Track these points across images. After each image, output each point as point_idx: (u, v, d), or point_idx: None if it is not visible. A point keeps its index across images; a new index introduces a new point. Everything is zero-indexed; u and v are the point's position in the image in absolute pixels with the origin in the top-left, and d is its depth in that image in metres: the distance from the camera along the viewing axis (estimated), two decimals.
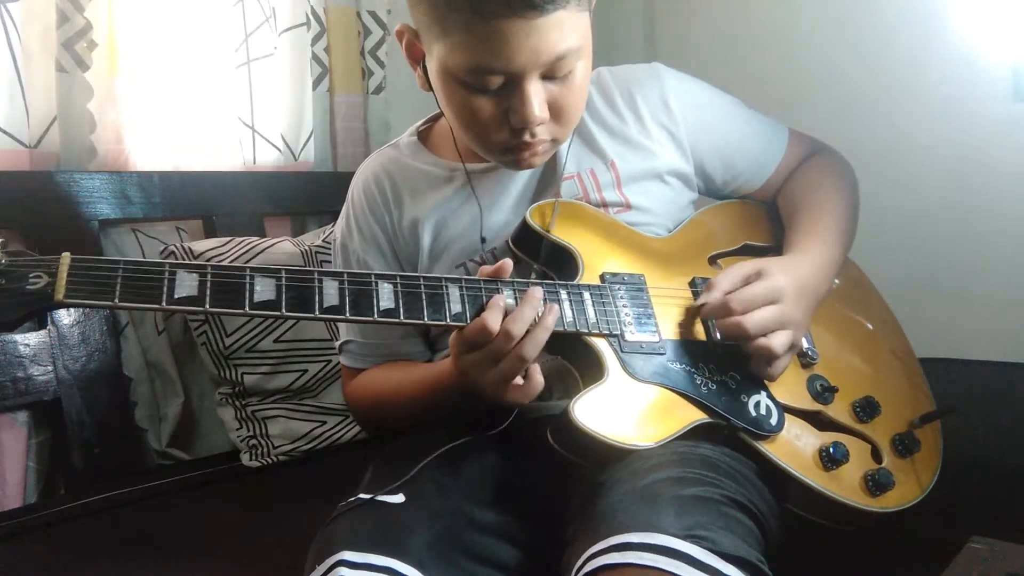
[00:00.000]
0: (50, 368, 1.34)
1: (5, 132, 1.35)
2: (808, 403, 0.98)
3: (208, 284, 0.77)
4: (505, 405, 0.87)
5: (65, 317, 1.37)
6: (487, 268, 0.89)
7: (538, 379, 0.86)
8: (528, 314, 0.84)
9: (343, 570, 0.75)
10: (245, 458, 1.45)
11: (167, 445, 1.52)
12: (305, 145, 1.77)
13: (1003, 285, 1.72)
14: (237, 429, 1.47)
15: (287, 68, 1.73)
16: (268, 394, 1.48)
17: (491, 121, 0.92)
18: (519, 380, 0.85)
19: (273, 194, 1.70)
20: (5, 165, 1.35)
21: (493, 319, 0.82)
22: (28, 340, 1.33)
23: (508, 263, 0.88)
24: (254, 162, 1.70)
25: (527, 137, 0.93)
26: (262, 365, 1.46)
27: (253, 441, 1.45)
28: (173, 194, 1.53)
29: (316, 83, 1.80)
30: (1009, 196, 1.69)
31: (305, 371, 1.48)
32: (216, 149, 1.66)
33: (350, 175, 1.15)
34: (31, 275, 0.73)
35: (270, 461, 1.44)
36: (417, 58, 0.98)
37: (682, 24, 2.26)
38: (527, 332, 0.83)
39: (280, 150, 1.74)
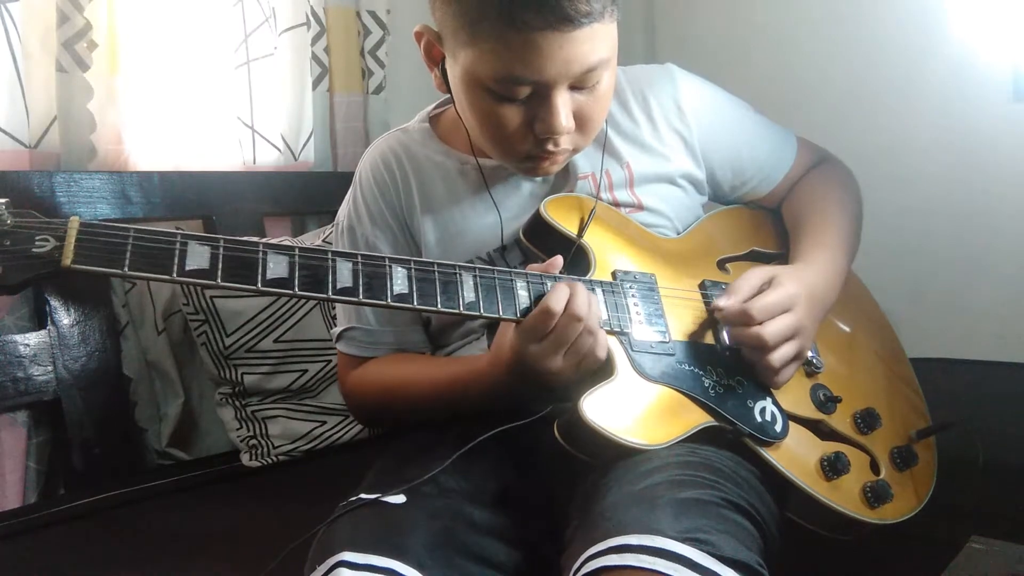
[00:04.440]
0: (50, 368, 1.34)
1: (5, 132, 1.35)
2: (811, 412, 0.98)
3: (220, 257, 0.74)
4: (573, 386, 0.86)
5: (65, 317, 1.37)
6: (536, 265, 0.89)
7: (603, 338, 0.86)
8: (584, 291, 0.84)
9: (344, 571, 0.75)
10: (245, 458, 1.45)
11: (167, 445, 1.52)
12: (305, 145, 1.77)
13: (1003, 285, 1.72)
14: (237, 429, 1.47)
15: (287, 68, 1.73)
16: (268, 394, 1.48)
17: (516, 130, 0.92)
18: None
19: (273, 194, 1.69)
20: (5, 165, 1.35)
21: (557, 300, 0.82)
22: (28, 340, 1.33)
23: (558, 260, 0.89)
24: (254, 162, 1.70)
25: (550, 147, 0.93)
26: (262, 365, 1.46)
27: (253, 441, 1.45)
28: (173, 194, 1.53)
29: (316, 83, 1.80)
30: (1009, 196, 1.69)
31: (305, 371, 1.48)
32: (216, 149, 1.66)
33: (350, 175, 1.14)
34: (38, 238, 0.69)
35: (270, 461, 1.44)
36: (436, 60, 0.97)
37: (682, 24, 2.26)
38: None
39: (280, 150, 1.74)
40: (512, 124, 0.91)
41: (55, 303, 1.36)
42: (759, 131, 1.15)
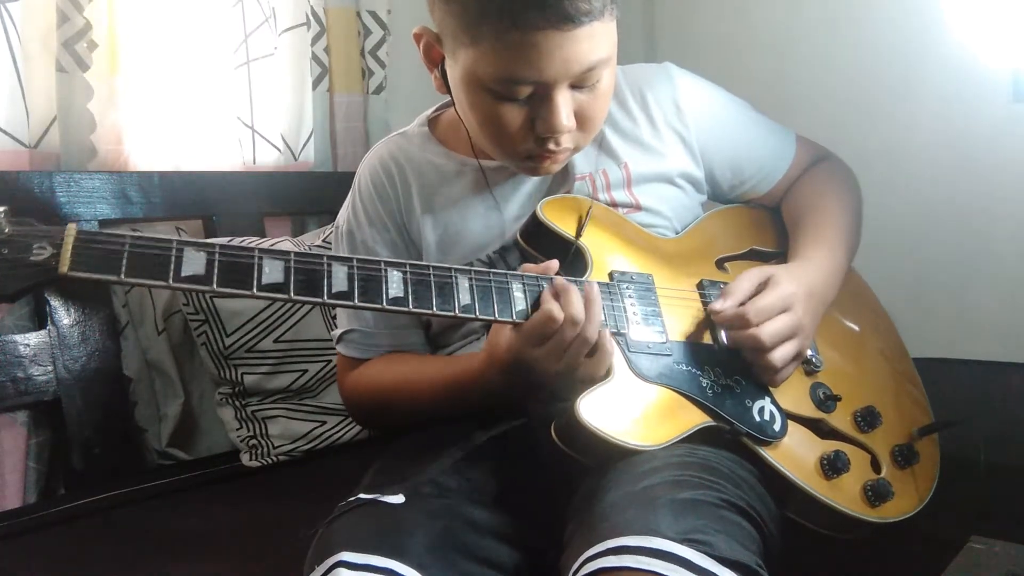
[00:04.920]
0: (50, 368, 1.34)
1: (5, 132, 1.35)
2: (810, 410, 0.98)
3: (216, 263, 0.74)
4: (574, 389, 0.85)
5: (65, 317, 1.37)
6: (531, 266, 0.89)
7: (609, 347, 0.86)
8: (577, 296, 0.84)
9: (343, 571, 0.75)
10: (245, 458, 1.45)
11: (167, 445, 1.52)
12: (305, 145, 1.77)
13: (1003, 285, 1.72)
14: (237, 429, 1.47)
15: (287, 68, 1.73)
16: (268, 394, 1.48)
17: (517, 129, 0.92)
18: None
19: (273, 194, 1.69)
20: (5, 165, 1.35)
21: (558, 308, 0.82)
22: (28, 340, 1.33)
23: (554, 263, 0.89)
24: (254, 162, 1.70)
25: (552, 146, 0.93)
26: (262, 365, 1.46)
27: (253, 441, 1.45)
28: (173, 194, 1.53)
29: (316, 83, 1.80)
30: (1009, 196, 1.69)
31: (305, 371, 1.48)
32: (216, 149, 1.66)
33: (350, 175, 1.14)
34: (35, 246, 0.69)
35: (270, 461, 1.44)
36: (435, 61, 0.97)
37: (682, 24, 2.26)
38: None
39: (280, 150, 1.74)
40: (513, 124, 0.91)
41: (55, 303, 1.36)
42: (758, 130, 1.15)
